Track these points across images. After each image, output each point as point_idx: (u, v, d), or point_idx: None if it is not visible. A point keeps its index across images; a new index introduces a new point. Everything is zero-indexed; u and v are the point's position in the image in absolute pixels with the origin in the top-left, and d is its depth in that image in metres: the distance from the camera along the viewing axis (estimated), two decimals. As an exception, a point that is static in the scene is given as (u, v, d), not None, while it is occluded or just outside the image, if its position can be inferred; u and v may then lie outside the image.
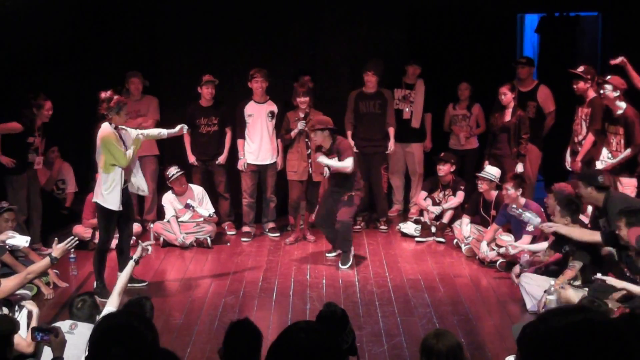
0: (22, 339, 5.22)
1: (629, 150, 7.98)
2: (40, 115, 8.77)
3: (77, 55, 9.88)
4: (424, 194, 9.73)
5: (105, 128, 7.36)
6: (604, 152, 8.24)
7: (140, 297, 5.12)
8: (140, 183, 7.68)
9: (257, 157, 9.54)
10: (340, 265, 8.43)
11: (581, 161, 8.53)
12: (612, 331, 1.95)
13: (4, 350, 3.93)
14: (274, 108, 9.50)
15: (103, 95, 7.38)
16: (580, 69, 8.68)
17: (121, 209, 7.46)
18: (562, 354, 1.93)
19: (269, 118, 9.47)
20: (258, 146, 9.50)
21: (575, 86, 8.65)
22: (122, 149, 7.35)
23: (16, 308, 5.99)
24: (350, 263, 8.40)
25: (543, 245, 7.85)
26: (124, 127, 7.56)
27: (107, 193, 7.37)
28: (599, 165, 8.17)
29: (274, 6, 10.29)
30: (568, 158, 8.86)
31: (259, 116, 9.45)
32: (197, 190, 9.48)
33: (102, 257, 7.65)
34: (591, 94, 8.51)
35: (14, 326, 4.21)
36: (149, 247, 6.56)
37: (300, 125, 9.10)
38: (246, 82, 9.45)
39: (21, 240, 7.10)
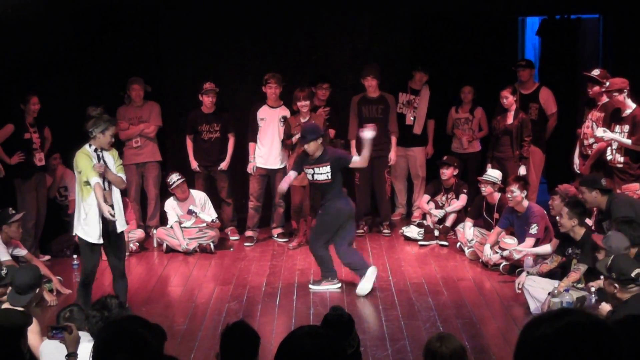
0: (38, 338, 5.25)
1: (630, 142, 7.88)
2: (28, 110, 8.78)
3: (80, 61, 9.89)
4: (426, 197, 9.72)
5: (82, 149, 6.74)
6: (607, 150, 8.18)
7: (105, 296, 5.14)
8: (119, 221, 6.86)
9: (266, 161, 9.54)
10: (361, 291, 7.68)
11: (591, 165, 8.46)
12: (599, 330, 1.96)
13: (18, 343, 3.96)
14: (287, 113, 9.48)
15: (93, 111, 6.77)
16: (596, 72, 8.52)
17: (101, 241, 6.75)
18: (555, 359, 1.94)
19: (280, 123, 9.48)
20: (268, 150, 9.51)
21: (590, 90, 8.57)
22: (91, 163, 6.67)
23: None
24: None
25: (546, 247, 7.83)
26: (106, 150, 6.83)
27: (85, 223, 6.72)
28: (600, 132, 8.09)
29: (276, 12, 10.30)
30: (576, 160, 8.76)
31: (271, 120, 9.47)
32: (199, 195, 9.48)
33: (87, 291, 6.88)
34: (604, 98, 8.43)
35: (28, 319, 4.25)
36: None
37: None
38: (247, 86, 9.47)
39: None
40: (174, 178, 9.29)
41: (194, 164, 9.75)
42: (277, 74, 9.38)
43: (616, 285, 5.51)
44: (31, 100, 8.75)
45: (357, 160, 7.82)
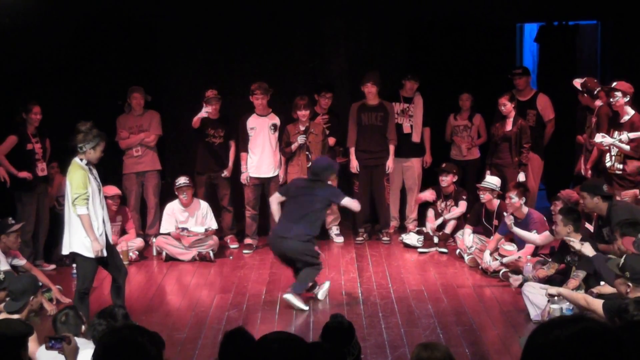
0: (35, 344, 5.25)
1: (628, 147, 7.90)
2: (30, 120, 8.73)
3: (78, 70, 9.90)
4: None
5: (76, 163, 6.61)
6: (607, 156, 8.20)
7: (112, 306, 5.14)
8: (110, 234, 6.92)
9: (258, 170, 9.54)
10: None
11: (590, 169, 8.50)
12: (611, 339, 1.96)
13: (19, 352, 3.97)
14: (276, 121, 9.52)
15: (82, 126, 6.60)
16: (579, 80, 8.73)
17: (105, 254, 6.71)
18: None
19: (271, 131, 9.50)
20: (260, 159, 9.52)
21: (580, 99, 8.72)
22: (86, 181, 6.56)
23: None
24: None
25: (534, 236, 7.95)
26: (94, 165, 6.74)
27: (86, 237, 6.59)
28: (599, 138, 8.10)
29: (274, 20, 10.33)
30: (583, 166, 8.85)
31: (261, 129, 9.48)
32: (203, 205, 9.49)
33: (86, 303, 6.76)
34: (597, 103, 8.50)
35: (30, 329, 4.26)
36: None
37: (301, 139, 9.12)
38: (247, 95, 9.49)
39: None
40: (181, 180, 9.28)
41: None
42: (264, 84, 9.39)
43: (629, 284, 5.51)
44: (33, 109, 8.71)
45: (349, 204, 7.86)
